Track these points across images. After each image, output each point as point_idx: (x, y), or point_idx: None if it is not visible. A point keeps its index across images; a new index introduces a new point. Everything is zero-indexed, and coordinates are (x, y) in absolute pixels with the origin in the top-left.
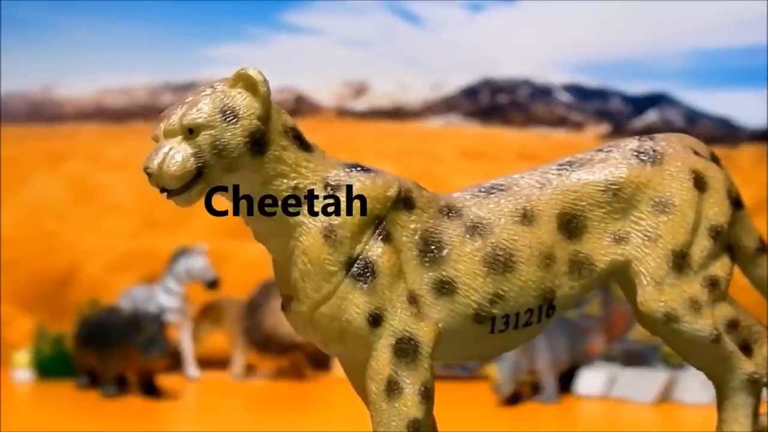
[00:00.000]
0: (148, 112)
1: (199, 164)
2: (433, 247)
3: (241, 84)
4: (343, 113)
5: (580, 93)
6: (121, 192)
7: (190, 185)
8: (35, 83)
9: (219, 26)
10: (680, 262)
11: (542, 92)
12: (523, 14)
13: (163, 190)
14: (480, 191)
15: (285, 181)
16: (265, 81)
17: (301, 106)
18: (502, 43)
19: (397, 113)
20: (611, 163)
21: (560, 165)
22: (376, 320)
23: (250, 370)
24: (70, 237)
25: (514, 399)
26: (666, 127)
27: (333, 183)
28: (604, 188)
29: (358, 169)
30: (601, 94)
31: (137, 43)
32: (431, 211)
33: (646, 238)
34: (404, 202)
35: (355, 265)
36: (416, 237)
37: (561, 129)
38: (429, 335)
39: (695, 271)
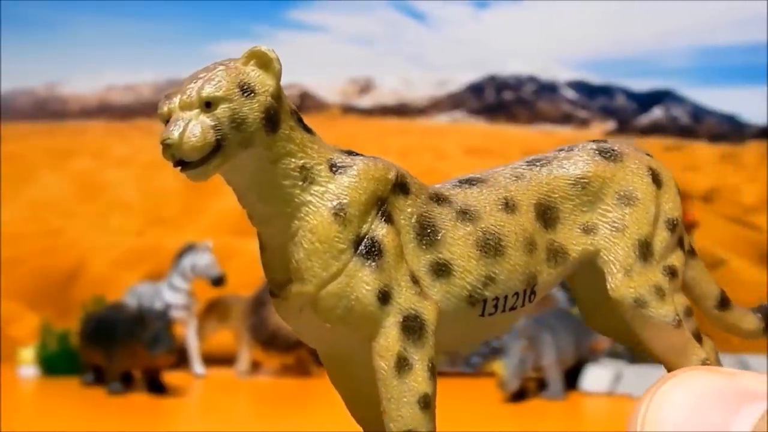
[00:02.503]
0: (153, 109)
1: (218, 137)
2: (428, 230)
3: (254, 61)
4: (348, 110)
5: (586, 90)
6: (127, 189)
7: (208, 158)
8: (40, 80)
9: (224, 24)
10: (645, 251)
11: (547, 89)
12: (528, 11)
13: (179, 162)
14: (460, 183)
15: (293, 160)
16: (278, 59)
17: (306, 102)
18: (508, 40)
19: (402, 110)
20: (577, 159)
21: (528, 162)
22: (385, 297)
23: (255, 367)
24: (75, 234)
25: (519, 395)
26: (671, 124)
27: (339, 164)
28: (573, 182)
29: (357, 154)
30: (606, 91)
31: (142, 41)
32: (423, 197)
33: (613, 229)
34: (401, 186)
35: (363, 243)
36: (413, 220)
37: (566, 126)
38: (433, 314)
39: (657, 261)
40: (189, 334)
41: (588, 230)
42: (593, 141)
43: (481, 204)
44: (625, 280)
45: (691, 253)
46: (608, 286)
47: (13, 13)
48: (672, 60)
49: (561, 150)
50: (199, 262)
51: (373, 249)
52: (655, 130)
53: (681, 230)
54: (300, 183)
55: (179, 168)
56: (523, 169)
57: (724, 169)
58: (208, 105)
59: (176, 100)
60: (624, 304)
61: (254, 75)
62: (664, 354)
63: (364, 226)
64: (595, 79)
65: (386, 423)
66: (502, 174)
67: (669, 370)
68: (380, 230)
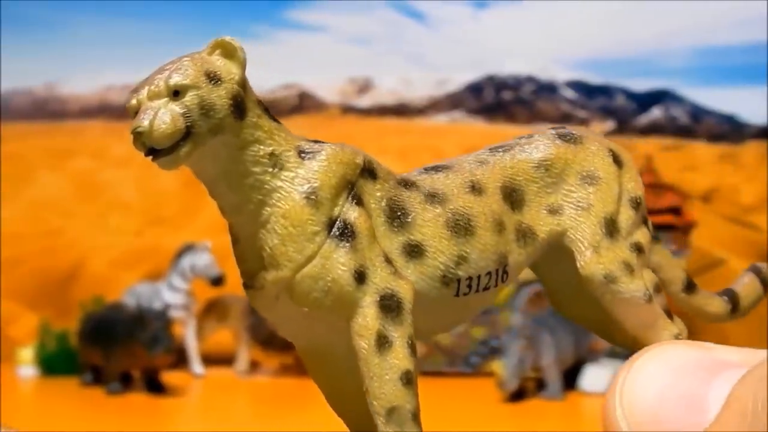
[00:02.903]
0: None
1: (188, 123)
2: (398, 213)
3: (219, 51)
4: (347, 110)
5: (585, 90)
6: (126, 189)
7: (178, 145)
8: (39, 80)
9: (224, 23)
10: (611, 228)
11: (547, 89)
12: (528, 11)
13: (150, 151)
14: (426, 170)
15: (262, 147)
16: (243, 48)
17: (305, 102)
18: (507, 40)
19: (401, 110)
20: (538, 144)
21: (490, 149)
22: (361, 277)
23: (254, 366)
24: (74, 234)
25: (518, 395)
26: (670, 124)
27: (307, 150)
28: (536, 165)
29: (323, 142)
30: (605, 91)
31: (142, 40)
32: (391, 182)
33: (579, 208)
34: (369, 171)
35: (336, 226)
36: (383, 204)
37: (565, 126)
38: (409, 292)
39: (623, 237)
40: (188, 334)
41: (554, 211)
42: (552, 127)
43: (449, 188)
44: (594, 257)
45: (654, 239)
46: (578, 264)
47: (12, 13)
48: (671, 60)
49: (521, 138)
50: (198, 262)
51: (346, 230)
52: (654, 130)
53: (644, 209)
54: (270, 170)
55: (150, 157)
56: (486, 155)
57: (723, 169)
58: (176, 94)
59: (144, 91)
60: (594, 281)
61: (220, 64)
62: (636, 330)
63: (336, 209)
64: (594, 79)
65: (370, 401)
66: (466, 161)
67: (642, 347)
68: (352, 213)
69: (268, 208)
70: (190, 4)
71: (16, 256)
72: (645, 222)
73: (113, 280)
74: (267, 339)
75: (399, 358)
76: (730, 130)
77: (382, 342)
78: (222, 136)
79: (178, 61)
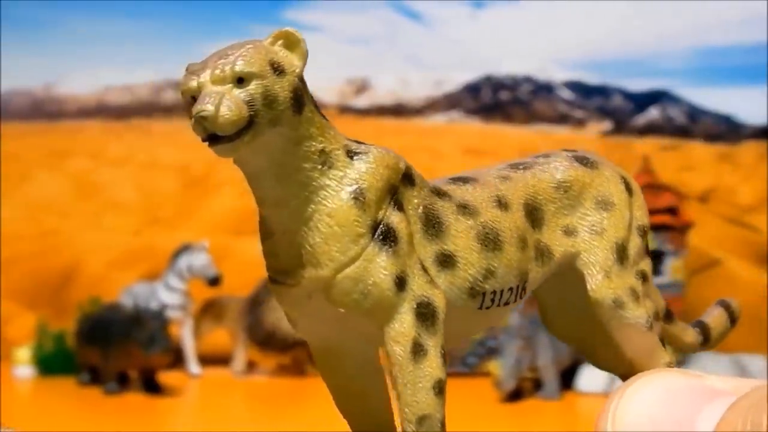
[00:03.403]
0: (150, 109)
1: (252, 112)
2: (433, 221)
3: (281, 42)
4: (344, 110)
5: (582, 90)
6: (123, 189)
7: (240, 133)
8: (37, 80)
9: (221, 24)
10: (622, 255)
11: (544, 89)
12: (525, 12)
13: (211, 137)
14: (453, 180)
15: (314, 143)
16: (305, 41)
17: None
18: (504, 40)
19: (398, 110)
20: (557, 165)
21: (510, 165)
22: (401, 283)
23: (251, 366)
24: (71, 234)
25: (515, 395)
26: (667, 124)
27: (354, 150)
28: (556, 185)
29: (366, 143)
30: (602, 91)
31: (139, 41)
32: (426, 190)
33: (593, 232)
34: (408, 177)
35: (379, 229)
36: (419, 211)
37: (563, 126)
38: (443, 302)
39: (631, 265)
40: (185, 334)
41: (569, 232)
42: (565, 150)
43: (477, 200)
44: (605, 282)
45: None
46: (588, 287)
47: (10, 14)
48: (668, 60)
49: (538, 156)
50: (195, 262)
51: (389, 235)
52: (651, 130)
53: (648, 238)
54: (319, 167)
55: (209, 143)
56: (508, 171)
57: (721, 169)
58: (240, 81)
59: (206, 74)
60: (603, 305)
61: (282, 54)
62: (635, 355)
63: (380, 213)
64: (592, 79)
65: (401, 407)
66: (489, 174)
67: (636, 371)
68: (394, 217)
69: (314, 205)
70: (188, 4)
71: (13, 256)
72: (647, 251)
73: (110, 280)
74: (264, 339)
75: (433, 367)
76: (727, 131)
77: (418, 350)
78: (280, 128)
79: (242, 48)
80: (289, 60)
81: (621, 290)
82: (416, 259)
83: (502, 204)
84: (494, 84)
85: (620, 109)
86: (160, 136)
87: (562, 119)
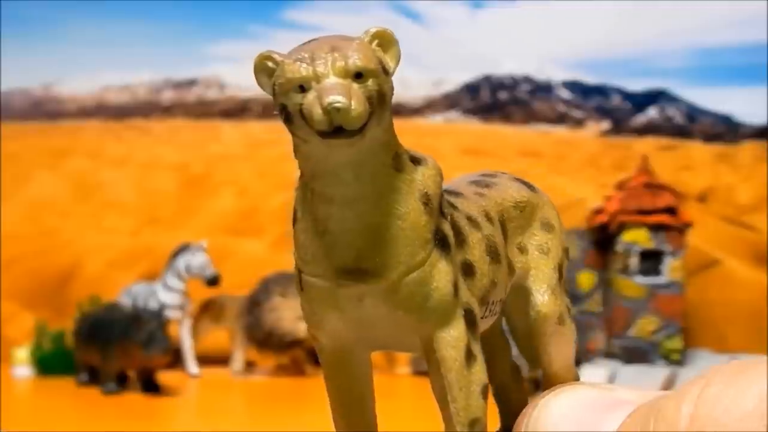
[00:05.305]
0: (149, 109)
1: (370, 110)
2: (457, 231)
3: (377, 42)
4: None
5: (581, 90)
6: (122, 189)
7: (362, 129)
8: (37, 80)
9: (220, 24)
10: (560, 274)
11: (542, 89)
12: (524, 12)
13: (337, 130)
14: (448, 192)
15: (392, 145)
16: (398, 42)
17: None
18: (503, 40)
19: (397, 110)
20: (511, 184)
21: (472, 182)
22: (456, 289)
23: (250, 366)
24: (70, 234)
25: None
26: (666, 124)
27: (414, 155)
28: (514, 205)
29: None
30: (601, 91)
31: (138, 41)
32: (445, 199)
33: (540, 252)
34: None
35: (438, 234)
36: (449, 219)
37: (561, 126)
38: (478, 309)
39: (563, 284)
40: (184, 334)
41: (522, 250)
42: (501, 172)
43: (474, 213)
44: (552, 298)
45: None
46: (538, 303)
47: (9, 14)
48: (667, 60)
49: (485, 174)
50: (194, 262)
51: (445, 241)
52: (650, 129)
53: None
54: (392, 170)
55: (329, 136)
56: (476, 188)
57: (719, 169)
58: (358, 76)
59: (326, 64)
60: (549, 321)
61: (381, 55)
62: (560, 367)
63: (438, 219)
64: (590, 79)
65: (455, 410)
66: (465, 189)
67: (559, 382)
68: (445, 225)
69: (385, 207)
70: (187, 4)
71: (12, 256)
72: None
73: (109, 280)
74: (262, 339)
75: (481, 372)
76: (726, 131)
77: (469, 355)
78: (378, 128)
79: (352, 42)
80: (387, 61)
81: (562, 307)
82: (457, 266)
83: (489, 218)
84: (493, 84)
85: (619, 109)
86: (159, 136)
87: (560, 119)
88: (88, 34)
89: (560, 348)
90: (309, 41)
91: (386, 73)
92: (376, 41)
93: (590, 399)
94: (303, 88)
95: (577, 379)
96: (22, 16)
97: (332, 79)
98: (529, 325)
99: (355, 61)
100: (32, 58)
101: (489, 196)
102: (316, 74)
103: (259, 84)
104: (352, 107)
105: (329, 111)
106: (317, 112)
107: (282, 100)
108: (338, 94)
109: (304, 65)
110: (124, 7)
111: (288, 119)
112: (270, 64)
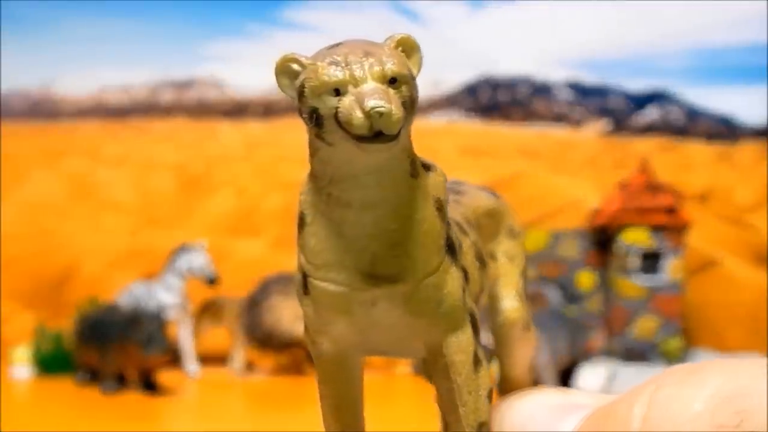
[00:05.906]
0: (147, 109)
1: (404, 115)
2: (454, 237)
3: (401, 48)
4: None
5: (580, 90)
6: (121, 189)
7: (398, 134)
8: (34, 80)
9: (218, 23)
10: (524, 280)
11: (542, 89)
12: (523, 12)
13: (377, 134)
14: None
15: (408, 151)
16: (421, 48)
17: None
18: (502, 40)
19: None
20: (479, 193)
21: (450, 190)
22: (464, 293)
23: (249, 366)
24: (69, 234)
25: None
26: (666, 124)
27: (425, 162)
28: (485, 212)
29: None
30: (601, 91)
31: (136, 41)
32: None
33: (508, 258)
34: None
35: (448, 241)
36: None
37: (561, 126)
38: (478, 314)
39: (525, 291)
40: (183, 334)
41: (491, 256)
42: (463, 182)
43: (459, 220)
44: (519, 304)
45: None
46: (507, 308)
47: (7, 14)
48: (666, 60)
49: (453, 182)
50: (194, 262)
51: (453, 248)
52: (649, 129)
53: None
54: (409, 176)
55: (367, 141)
56: (452, 194)
57: (719, 169)
58: (392, 81)
59: (363, 69)
60: (517, 326)
61: (405, 61)
62: (521, 371)
63: (448, 225)
64: (590, 79)
65: (465, 414)
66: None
67: (520, 387)
68: (451, 231)
69: (402, 213)
70: (184, 4)
71: (11, 256)
72: None
73: (108, 280)
74: (262, 339)
75: (487, 377)
76: (725, 131)
77: (477, 359)
78: (406, 133)
79: (383, 48)
80: (411, 67)
81: (527, 313)
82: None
83: (471, 224)
84: (492, 84)
85: (619, 109)
86: (158, 136)
87: (560, 119)
88: (86, 34)
89: (523, 352)
90: (336, 45)
91: (413, 78)
92: (400, 48)
93: (551, 403)
94: (338, 92)
95: (533, 382)
96: (19, 16)
97: (371, 84)
98: (496, 330)
99: (391, 66)
100: (30, 58)
101: (464, 203)
102: (354, 78)
103: (280, 86)
104: (393, 112)
105: (371, 115)
106: (357, 116)
107: (313, 103)
108: (380, 98)
109: (339, 68)
110: (122, 7)
111: (318, 123)
112: (294, 66)
